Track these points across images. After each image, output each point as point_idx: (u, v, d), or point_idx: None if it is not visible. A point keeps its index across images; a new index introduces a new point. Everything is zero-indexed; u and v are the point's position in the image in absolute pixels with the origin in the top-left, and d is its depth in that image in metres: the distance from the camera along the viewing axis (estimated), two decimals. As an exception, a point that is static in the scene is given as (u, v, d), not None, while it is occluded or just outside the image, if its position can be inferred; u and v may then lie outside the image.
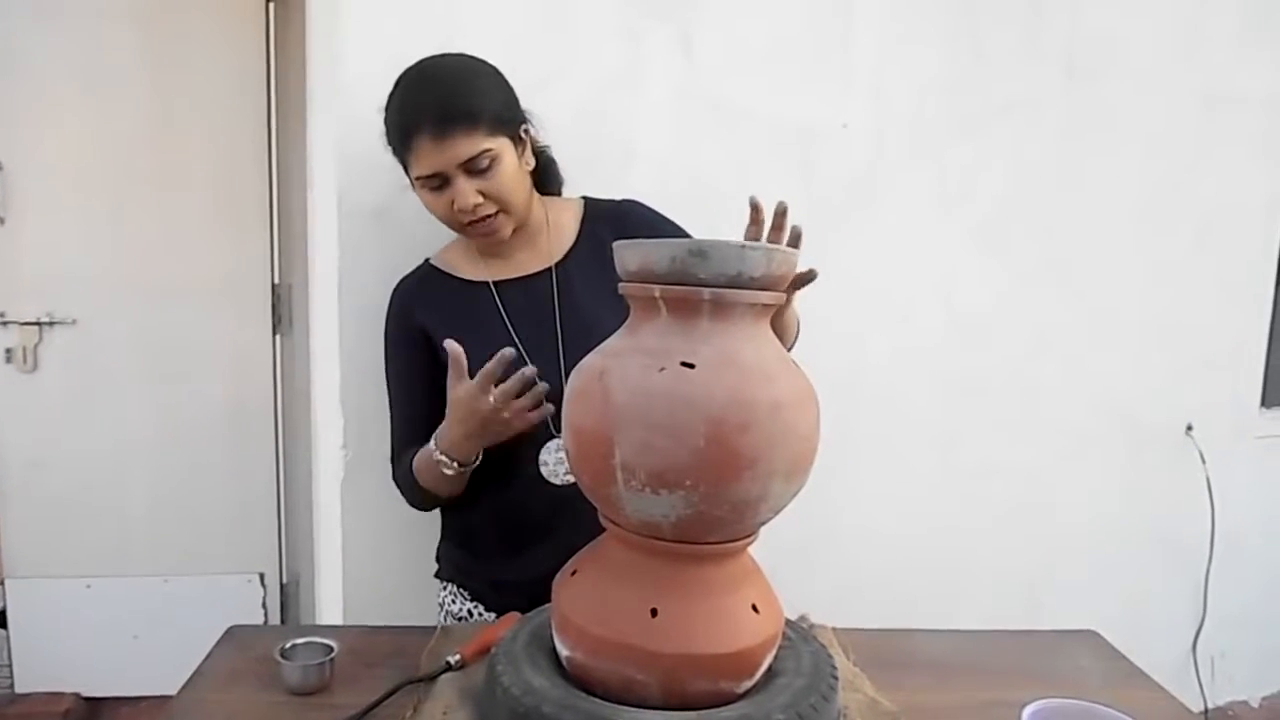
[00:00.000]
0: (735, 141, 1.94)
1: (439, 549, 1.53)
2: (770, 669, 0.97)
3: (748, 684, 0.94)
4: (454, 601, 1.47)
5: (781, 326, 1.18)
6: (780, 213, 1.03)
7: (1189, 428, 2.52)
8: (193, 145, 2.53)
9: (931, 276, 2.19)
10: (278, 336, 2.65)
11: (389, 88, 1.27)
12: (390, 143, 1.29)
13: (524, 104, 1.34)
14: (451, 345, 1.16)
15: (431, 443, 1.26)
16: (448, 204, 1.26)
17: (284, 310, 2.64)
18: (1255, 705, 2.85)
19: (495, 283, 1.37)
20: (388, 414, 1.44)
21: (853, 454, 2.11)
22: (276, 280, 2.63)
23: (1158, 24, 2.30)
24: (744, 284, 0.88)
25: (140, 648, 2.61)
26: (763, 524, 0.94)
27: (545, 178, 1.44)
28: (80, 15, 2.43)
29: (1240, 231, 2.51)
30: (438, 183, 1.25)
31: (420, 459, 1.29)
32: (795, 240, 1.05)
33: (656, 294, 0.90)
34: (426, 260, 1.44)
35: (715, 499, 0.86)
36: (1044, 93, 2.22)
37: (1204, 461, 2.51)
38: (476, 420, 1.19)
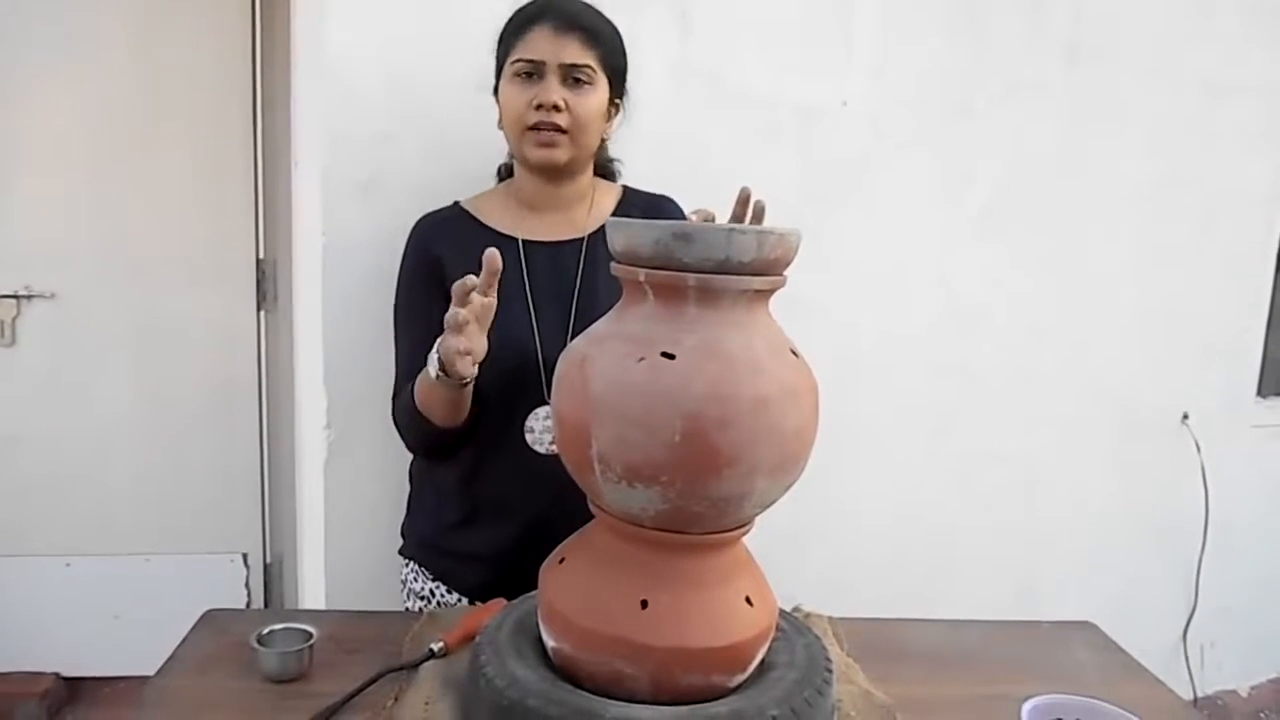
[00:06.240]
0: (733, 119, 1.90)
1: (404, 524, 1.48)
2: (763, 662, 0.94)
3: (740, 678, 0.91)
4: (415, 579, 1.42)
5: None
6: (743, 200, 1.03)
7: (1185, 416, 2.50)
8: (177, 117, 2.47)
9: (928, 261, 2.16)
10: (262, 313, 2.60)
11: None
12: (502, 35, 1.31)
13: None
14: (491, 253, 1.04)
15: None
16: (529, 98, 1.25)
17: (269, 287, 2.59)
18: (1244, 694, 2.85)
19: (524, 241, 1.34)
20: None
21: (845, 439, 2.08)
22: (261, 256, 2.58)
23: (1161, 10, 2.27)
24: (732, 269, 0.84)
25: (121, 627, 2.58)
26: (751, 518, 0.91)
27: (603, 164, 1.45)
28: (62, -16, 2.36)
29: (1240, 220, 2.49)
30: (531, 70, 1.25)
31: (421, 375, 1.21)
32: (758, 216, 1.03)
33: (641, 278, 0.86)
34: (456, 202, 1.41)
35: (693, 495, 0.83)
36: (1046, 77, 2.18)
37: (1199, 450, 2.50)
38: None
